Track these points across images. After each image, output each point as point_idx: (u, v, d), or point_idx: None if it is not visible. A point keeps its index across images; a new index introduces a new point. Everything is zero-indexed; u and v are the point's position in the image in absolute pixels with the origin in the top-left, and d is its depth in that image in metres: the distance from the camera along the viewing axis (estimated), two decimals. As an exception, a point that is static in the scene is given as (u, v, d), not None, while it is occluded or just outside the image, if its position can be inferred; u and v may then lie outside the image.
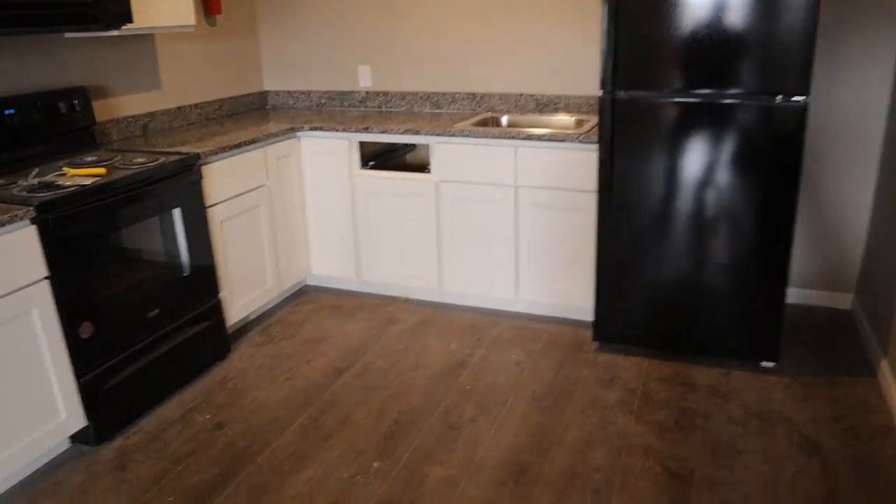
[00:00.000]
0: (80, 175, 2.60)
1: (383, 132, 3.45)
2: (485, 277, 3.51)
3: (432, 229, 3.52)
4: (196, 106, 3.82)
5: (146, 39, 3.47)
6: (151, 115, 3.54)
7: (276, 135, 3.44)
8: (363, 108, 4.12)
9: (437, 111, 3.95)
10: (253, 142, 3.27)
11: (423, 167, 3.52)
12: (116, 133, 3.34)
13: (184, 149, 3.06)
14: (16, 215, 2.21)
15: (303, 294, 3.90)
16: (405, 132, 3.41)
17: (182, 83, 3.73)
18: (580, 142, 3.12)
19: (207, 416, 2.76)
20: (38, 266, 2.31)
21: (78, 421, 2.51)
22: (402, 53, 3.96)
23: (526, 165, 3.26)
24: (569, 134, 3.15)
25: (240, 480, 2.38)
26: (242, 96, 4.16)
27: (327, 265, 3.83)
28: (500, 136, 3.25)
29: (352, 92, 4.13)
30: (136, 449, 2.57)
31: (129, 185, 2.63)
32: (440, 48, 3.88)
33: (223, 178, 3.12)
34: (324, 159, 3.63)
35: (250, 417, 2.74)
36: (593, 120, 3.48)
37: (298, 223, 3.71)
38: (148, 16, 3.04)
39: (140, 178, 2.67)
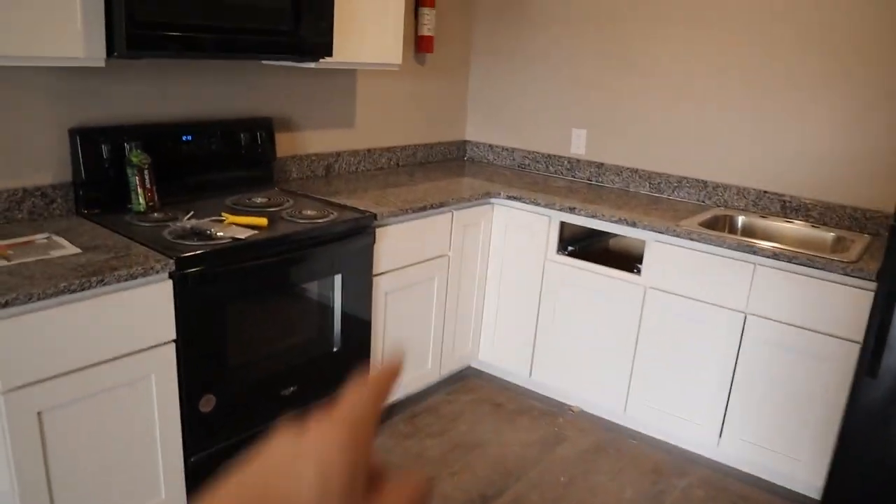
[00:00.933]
0: (238, 224, 2.27)
1: (592, 216, 2.88)
2: (682, 410, 2.82)
3: (629, 340, 2.89)
4: (388, 150, 3.48)
5: (347, 74, 3.17)
6: (338, 154, 3.22)
7: (468, 199, 2.99)
8: (570, 178, 3.59)
9: (657, 195, 3.33)
10: (440, 205, 2.84)
11: (629, 262, 2.90)
12: (297, 171, 3.05)
13: (361, 203, 2.68)
14: (152, 268, 1.90)
15: (464, 378, 3.40)
16: (618, 221, 2.82)
17: (377, 123, 3.40)
18: (845, 273, 2.38)
19: (322, 528, 2.31)
20: (166, 327, 1.98)
21: (178, 507, 2.16)
22: (624, 123, 3.38)
23: (764, 290, 2.55)
24: (831, 260, 2.41)
25: None
26: (439, 144, 3.77)
27: (497, 353, 3.32)
28: (737, 248, 2.57)
29: (560, 157, 3.61)
30: (235, 553, 2.17)
31: (288, 246, 2.27)
32: (669, 123, 3.26)
33: (399, 244, 2.70)
34: (517, 235, 3.13)
35: (370, 543, 2.26)
36: (860, 241, 2.70)
37: (474, 301, 3.23)
38: (351, 50, 2.71)
39: (302, 238, 2.31)
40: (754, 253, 2.54)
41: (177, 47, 2.12)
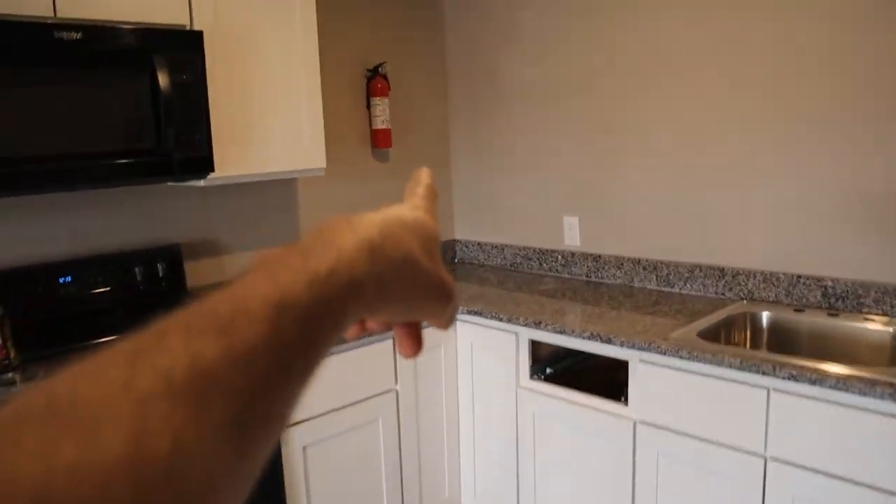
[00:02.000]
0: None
1: (560, 332, 2.30)
2: (707, 584, 2.11)
3: (625, 487, 2.23)
4: (350, 261, 3.03)
5: (284, 182, 2.78)
6: (281, 275, 2.81)
7: (415, 319, 2.47)
8: (566, 275, 3.01)
9: (666, 290, 2.69)
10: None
11: (620, 387, 2.28)
12: (223, 300, 2.65)
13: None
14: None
15: (449, 529, 2.80)
16: (590, 337, 2.23)
17: (334, 233, 2.97)
18: (894, 399, 1.68)
19: None
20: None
21: None
22: (621, 206, 2.80)
23: (785, 425, 1.87)
24: (872, 382, 1.72)
25: None
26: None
27: (481, 496, 2.71)
28: (741, 367, 1.92)
29: (553, 252, 3.04)
30: None
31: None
32: (673, 202, 2.65)
33: (316, 385, 2.21)
34: (484, 357, 2.58)
35: None
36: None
37: (444, 439, 2.66)
38: (253, 160, 2.32)
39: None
40: (764, 374, 1.88)
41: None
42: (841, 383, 1.76)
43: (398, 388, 2.46)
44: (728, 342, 2.30)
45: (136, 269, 2.34)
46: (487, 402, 2.58)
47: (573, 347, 2.31)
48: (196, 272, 2.54)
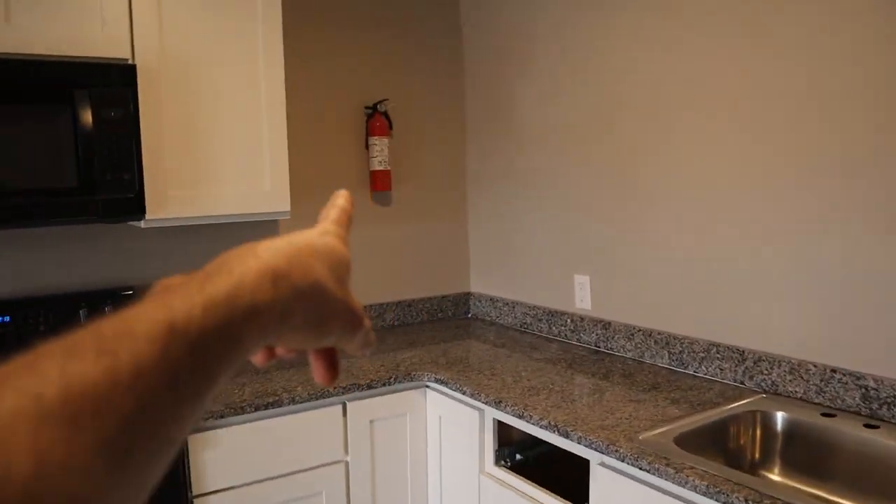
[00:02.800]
0: None
1: (519, 415, 1.96)
2: None
3: None
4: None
5: (261, 225, 2.61)
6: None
7: (370, 385, 2.20)
8: (575, 342, 2.64)
9: (679, 370, 2.27)
10: (319, 396, 2.10)
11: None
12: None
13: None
14: None
15: None
16: (547, 427, 1.87)
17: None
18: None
19: None
20: None
21: None
22: (635, 266, 2.41)
23: (760, 571, 1.45)
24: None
25: None
26: (425, 301, 3.02)
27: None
28: (706, 494, 1.51)
29: (563, 314, 2.68)
30: None
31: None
32: (691, 266, 2.24)
33: (241, 452, 2.00)
34: (451, 433, 2.26)
35: None
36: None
37: (413, 516, 2.37)
38: (200, 201, 2.15)
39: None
40: None
41: None
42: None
43: (348, 458, 2.19)
44: (730, 448, 1.87)
45: (82, 312, 2.22)
46: (454, 485, 2.26)
47: (532, 433, 1.96)
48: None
